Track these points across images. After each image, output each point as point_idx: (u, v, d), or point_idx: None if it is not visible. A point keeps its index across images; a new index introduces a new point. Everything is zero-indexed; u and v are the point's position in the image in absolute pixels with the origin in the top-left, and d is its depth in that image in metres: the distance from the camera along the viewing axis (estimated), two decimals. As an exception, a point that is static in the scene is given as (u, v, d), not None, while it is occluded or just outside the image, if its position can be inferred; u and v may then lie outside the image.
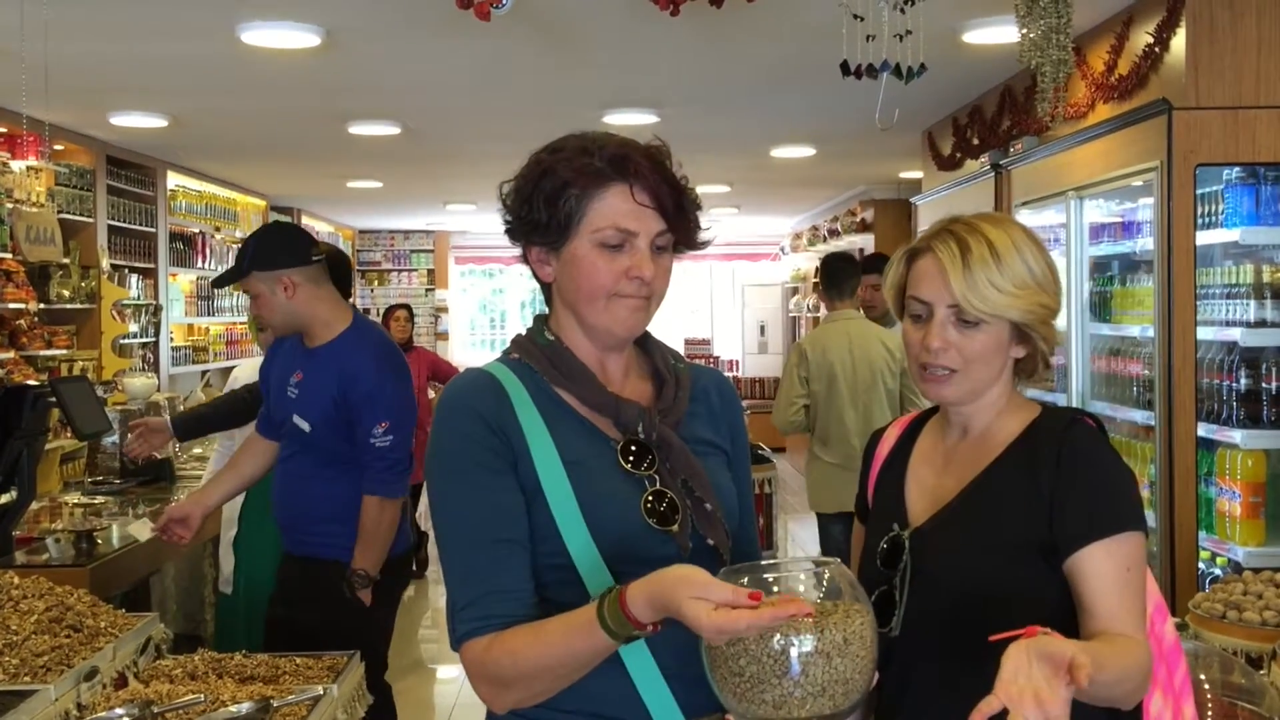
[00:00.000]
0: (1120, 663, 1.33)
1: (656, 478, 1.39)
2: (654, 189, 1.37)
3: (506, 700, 1.32)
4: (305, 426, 2.85)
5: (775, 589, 1.22)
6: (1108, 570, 1.38)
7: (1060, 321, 1.57)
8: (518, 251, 1.47)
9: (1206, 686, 2.20)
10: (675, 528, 1.37)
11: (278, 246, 2.88)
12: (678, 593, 1.16)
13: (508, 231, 1.45)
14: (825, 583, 1.25)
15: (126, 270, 7.20)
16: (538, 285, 1.50)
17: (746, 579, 1.23)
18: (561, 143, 1.41)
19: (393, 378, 2.85)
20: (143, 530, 3.50)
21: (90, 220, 6.65)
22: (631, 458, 1.39)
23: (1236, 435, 3.43)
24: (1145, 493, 3.70)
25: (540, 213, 1.38)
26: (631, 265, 1.37)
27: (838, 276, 4.61)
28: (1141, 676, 1.37)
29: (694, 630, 1.17)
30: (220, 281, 3.03)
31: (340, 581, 2.81)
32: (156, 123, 6.19)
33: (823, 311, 5.01)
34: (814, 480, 4.58)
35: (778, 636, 1.18)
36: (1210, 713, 2.16)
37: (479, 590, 1.31)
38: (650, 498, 1.37)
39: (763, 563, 1.29)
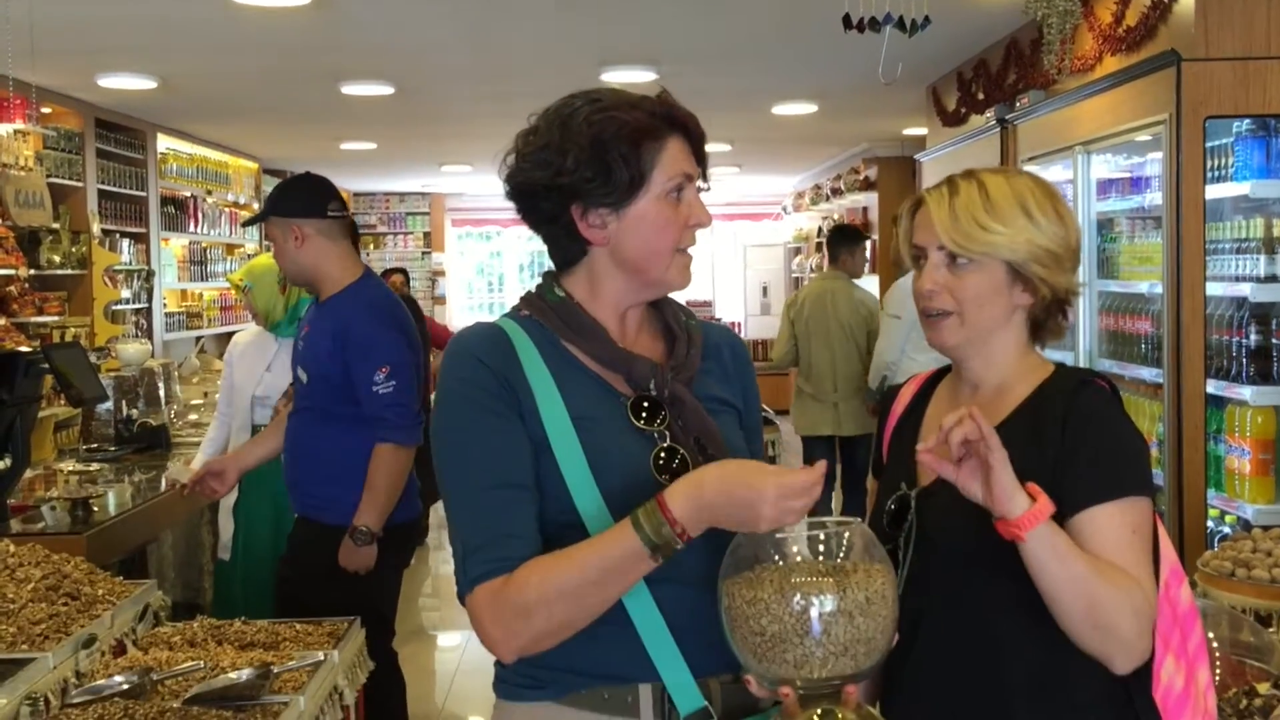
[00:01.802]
0: (1092, 571, 1.30)
1: (668, 434, 1.37)
2: (698, 134, 1.41)
3: (522, 635, 1.27)
4: (304, 377, 2.87)
5: (794, 549, 1.22)
6: (1110, 531, 1.36)
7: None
8: (515, 214, 1.43)
9: (1215, 645, 2.19)
10: None
11: (297, 195, 2.91)
12: (748, 478, 1.19)
13: (553, 195, 1.37)
14: (846, 542, 1.23)
15: (118, 235, 7.13)
16: (541, 247, 1.46)
17: (767, 539, 1.22)
18: (595, 96, 1.38)
19: (388, 329, 2.83)
20: (183, 473, 3.48)
21: (80, 184, 6.57)
22: (643, 414, 1.37)
23: (1246, 392, 3.39)
24: (1154, 451, 3.68)
25: (620, 170, 1.35)
26: (690, 214, 1.40)
27: (830, 244, 5.89)
28: (1120, 611, 1.31)
29: (756, 503, 1.19)
30: (248, 222, 3.11)
31: (338, 546, 2.79)
32: (145, 84, 6.10)
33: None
34: (797, 408, 5.79)
35: (798, 596, 1.17)
36: (1219, 671, 2.15)
37: (492, 534, 1.29)
38: (662, 454, 1.35)
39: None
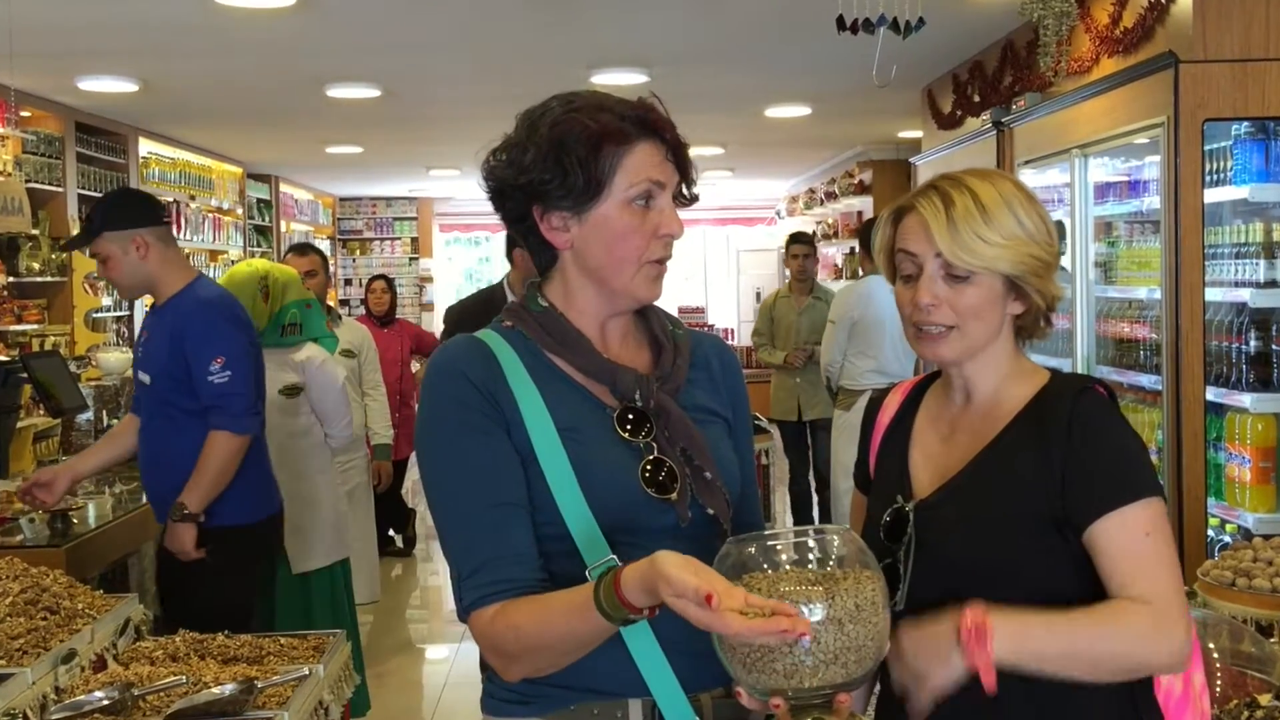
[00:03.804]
0: (1076, 631, 1.31)
1: (655, 446, 1.36)
2: (674, 142, 1.37)
3: (515, 671, 1.31)
4: (146, 379, 2.95)
5: (783, 556, 1.20)
6: (1123, 539, 1.35)
7: (1064, 282, 1.54)
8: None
9: (1215, 655, 2.17)
10: (674, 496, 1.34)
11: (131, 206, 2.99)
12: (660, 589, 1.14)
13: (516, 196, 1.38)
14: (835, 549, 1.22)
15: (100, 241, 7.03)
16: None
17: (754, 547, 1.20)
18: (571, 98, 1.37)
19: (224, 323, 2.92)
20: (9, 486, 3.44)
21: (60, 189, 6.47)
22: (629, 425, 1.35)
23: (1246, 399, 3.36)
24: (1153, 459, 3.64)
25: (575, 173, 1.33)
26: (660, 223, 1.35)
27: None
28: (1128, 645, 1.33)
29: (660, 588, 1.15)
30: (70, 245, 3.15)
31: (210, 550, 2.85)
32: (127, 87, 6.03)
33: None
34: None
35: (787, 605, 1.14)
36: (1219, 682, 2.12)
37: (482, 557, 1.29)
38: (648, 466, 1.34)
39: (770, 531, 1.25)
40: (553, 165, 1.33)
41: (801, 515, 6.21)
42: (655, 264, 1.37)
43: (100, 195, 6.88)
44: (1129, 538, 1.35)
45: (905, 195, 1.50)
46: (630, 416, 1.36)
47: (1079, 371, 4.04)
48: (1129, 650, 1.32)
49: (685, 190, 1.41)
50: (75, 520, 3.27)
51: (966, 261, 1.41)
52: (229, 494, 2.90)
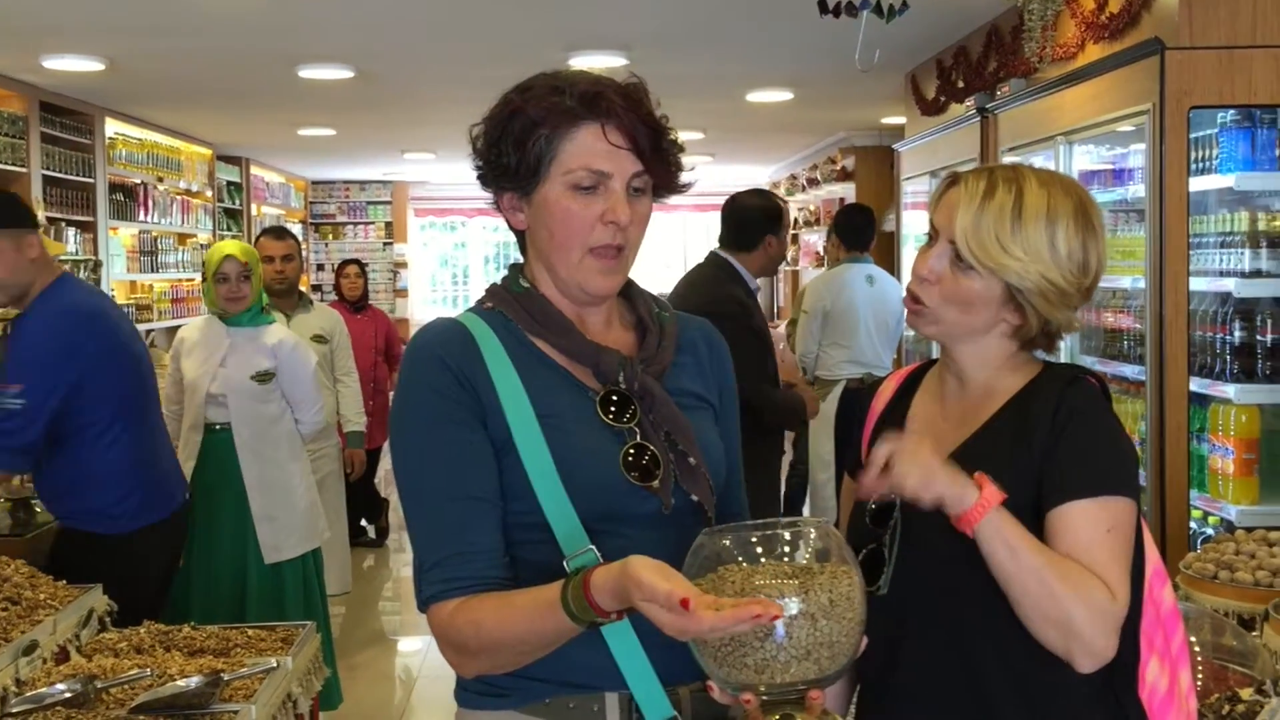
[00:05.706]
0: (1046, 563, 1.29)
1: (638, 430, 1.33)
2: (628, 128, 1.32)
3: (471, 668, 1.31)
4: None
5: (758, 550, 1.17)
6: (1084, 529, 1.33)
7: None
8: (480, 204, 1.43)
9: (1197, 649, 2.16)
10: (656, 483, 1.31)
11: (17, 206, 2.90)
12: (631, 594, 1.12)
13: (479, 177, 1.38)
14: (811, 543, 1.20)
15: (64, 224, 6.89)
16: (512, 238, 1.44)
17: (729, 539, 1.18)
18: (531, 81, 1.35)
19: (51, 343, 2.73)
20: None
21: (24, 170, 6.34)
22: (612, 409, 1.32)
23: (1230, 390, 3.34)
24: (1136, 451, 3.63)
25: (509, 156, 1.33)
26: (606, 209, 1.32)
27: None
28: (1076, 606, 1.28)
29: (634, 598, 1.13)
30: None
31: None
32: (93, 66, 5.90)
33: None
34: None
35: (760, 598, 1.11)
36: (1201, 675, 2.12)
37: (445, 551, 1.28)
38: (631, 451, 1.31)
39: (747, 522, 1.23)
40: (491, 147, 1.34)
41: (797, 508, 6.12)
42: (601, 251, 1.33)
43: (58, 176, 6.77)
44: (1090, 529, 1.33)
45: (976, 167, 1.48)
46: (614, 399, 1.33)
47: (1076, 364, 4.03)
48: (1074, 609, 1.28)
49: (656, 179, 1.35)
50: (38, 509, 3.18)
51: (974, 254, 1.39)
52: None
